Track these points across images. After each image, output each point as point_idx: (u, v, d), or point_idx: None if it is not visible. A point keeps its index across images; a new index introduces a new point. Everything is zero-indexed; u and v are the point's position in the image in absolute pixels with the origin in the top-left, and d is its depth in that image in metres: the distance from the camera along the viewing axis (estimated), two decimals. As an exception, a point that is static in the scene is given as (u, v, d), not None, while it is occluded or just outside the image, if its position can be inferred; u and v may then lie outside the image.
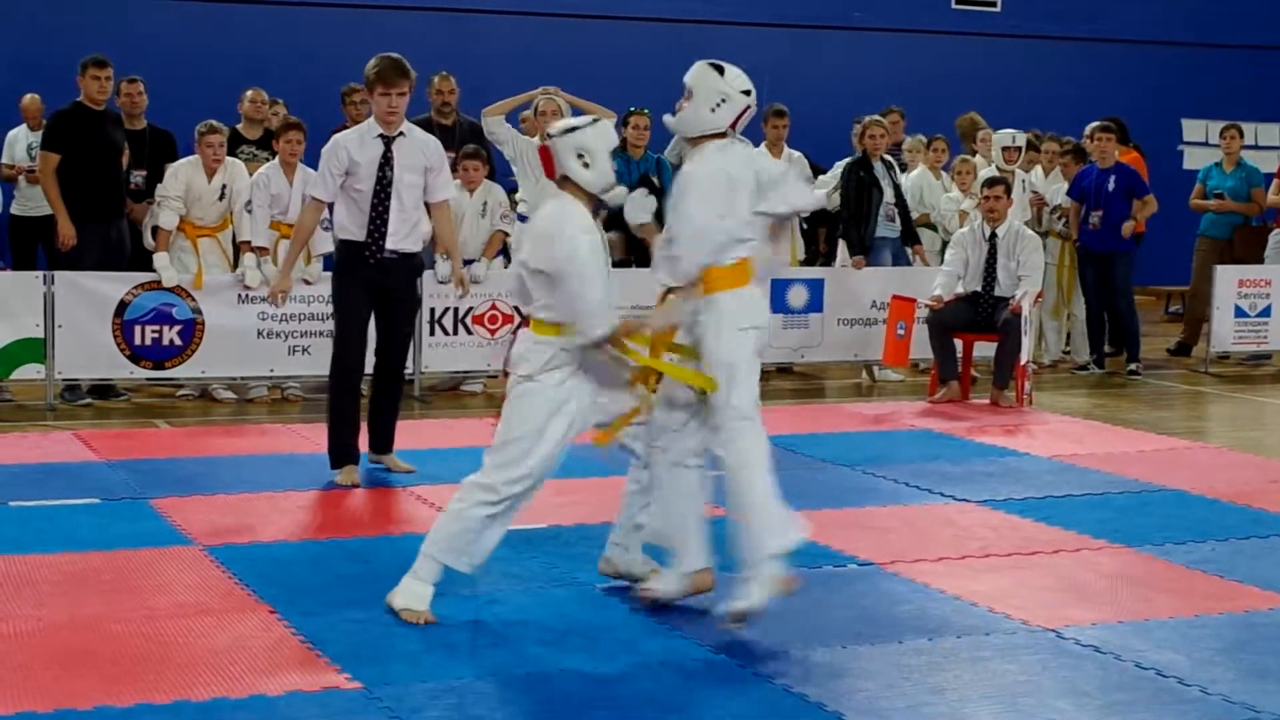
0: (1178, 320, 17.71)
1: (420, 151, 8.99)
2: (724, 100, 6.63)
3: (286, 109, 13.41)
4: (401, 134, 8.92)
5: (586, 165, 6.43)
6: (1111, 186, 14.24)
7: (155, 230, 11.88)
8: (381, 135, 8.88)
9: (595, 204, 6.53)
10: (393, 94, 8.75)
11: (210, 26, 17.21)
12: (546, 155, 6.49)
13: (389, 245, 8.89)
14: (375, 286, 8.97)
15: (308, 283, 11.84)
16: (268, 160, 12.19)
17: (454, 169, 12.60)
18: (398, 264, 8.98)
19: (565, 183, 6.49)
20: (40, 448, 10.11)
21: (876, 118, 13.88)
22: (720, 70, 6.69)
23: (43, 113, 13.52)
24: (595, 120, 6.58)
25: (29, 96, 14.29)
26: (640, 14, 18.79)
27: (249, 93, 13.07)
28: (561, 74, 13.82)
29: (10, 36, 16.59)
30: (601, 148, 6.47)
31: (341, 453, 9.14)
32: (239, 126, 12.93)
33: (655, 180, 13.17)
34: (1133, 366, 14.43)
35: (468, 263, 12.36)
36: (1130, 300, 14.53)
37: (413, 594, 6.50)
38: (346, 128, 11.59)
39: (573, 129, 6.47)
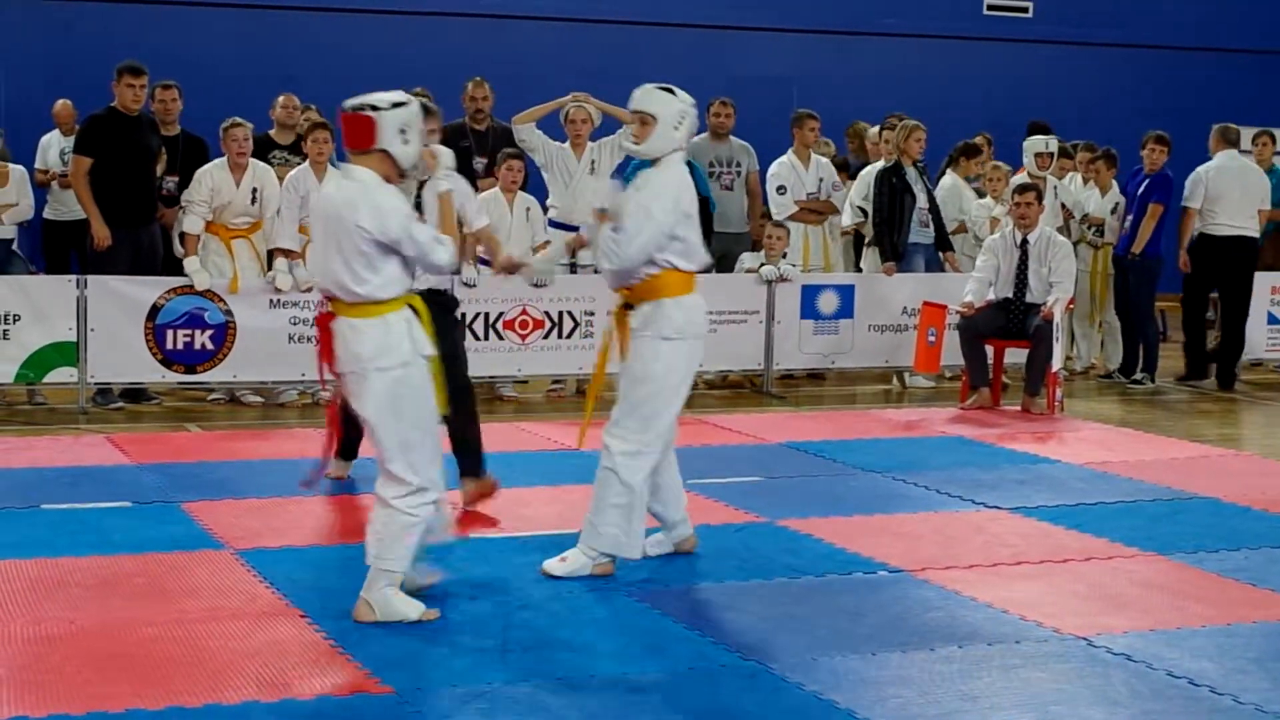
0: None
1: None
2: (684, 118, 7.38)
3: (319, 114, 13.44)
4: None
5: (406, 141, 6.48)
6: (1140, 192, 14.17)
7: (183, 236, 11.92)
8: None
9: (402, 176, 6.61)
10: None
11: (243, 33, 17.26)
12: (367, 125, 6.44)
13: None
14: None
15: None
16: (300, 165, 12.21)
17: (491, 172, 12.63)
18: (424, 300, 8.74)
19: (372, 155, 6.45)
20: (72, 451, 10.14)
21: (917, 123, 13.83)
22: (672, 92, 7.37)
23: (75, 118, 13.57)
24: (418, 94, 6.56)
25: (61, 102, 14.34)
26: (670, 20, 18.79)
27: (281, 98, 13.11)
28: (592, 80, 13.82)
29: (45, 43, 16.65)
30: (419, 124, 6.59)
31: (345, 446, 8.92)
32: (271, 132, 12.97)
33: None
34: (1139, 375, 14.28)
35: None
36: (1143, 310, 14.36)
37: (406, 602, 6.63)
38: None
39: (400, 104, 6.51)
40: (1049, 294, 12.52)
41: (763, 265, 13.25)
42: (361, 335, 6.44)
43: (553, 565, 7.32)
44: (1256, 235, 14.61)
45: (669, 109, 7.31)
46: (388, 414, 6.45)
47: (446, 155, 6.58)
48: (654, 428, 7.28)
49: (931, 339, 12.78)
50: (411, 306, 6.57)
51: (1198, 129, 15.35)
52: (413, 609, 6.54)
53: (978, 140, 15.14)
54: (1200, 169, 14.39)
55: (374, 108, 6.46)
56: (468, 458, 8.67)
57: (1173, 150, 14.40)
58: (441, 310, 8.44)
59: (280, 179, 12.02)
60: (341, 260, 6.40)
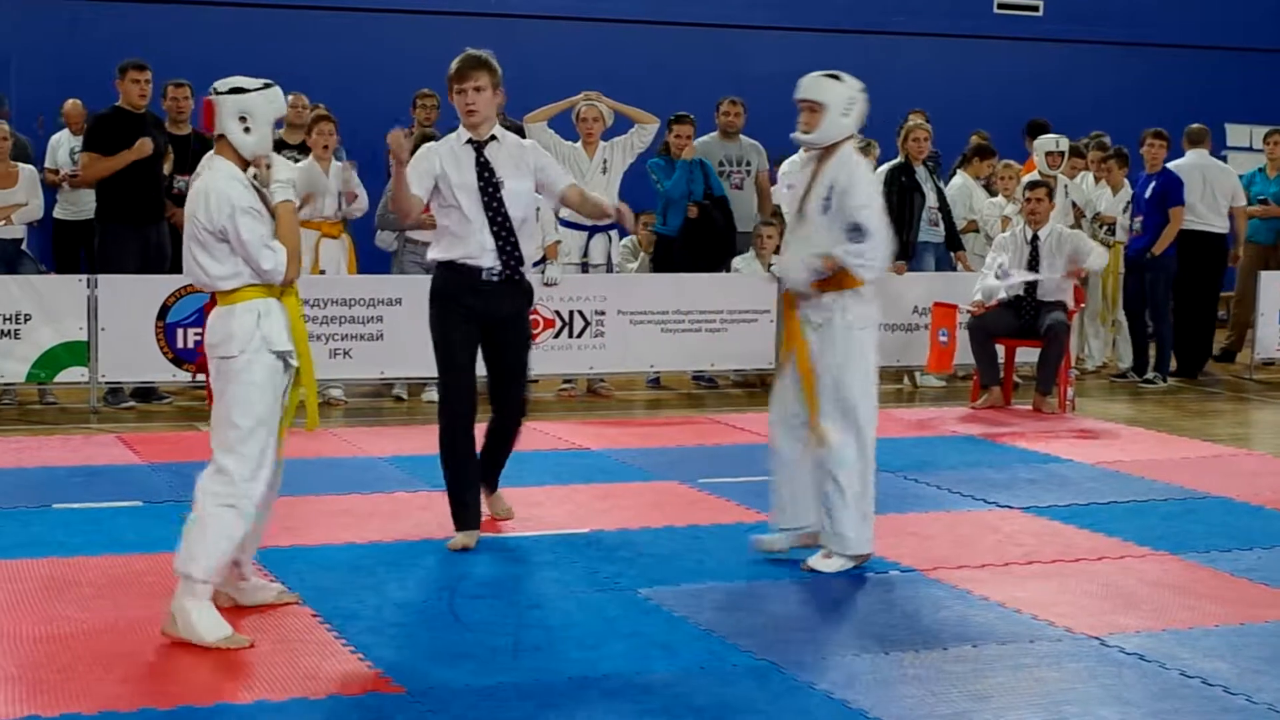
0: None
1: (519, 158, 7.82)
2: (852, 103, 7.46)
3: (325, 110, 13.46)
4: (494, 138, 7.80)
5: (248, 130, 6.29)
6: (1148, 194, 14.15)
7: None
8: (471, 141, 7.78)
9: (246, 165, 6.38)
10: (468, 88, 7.68)
11: (253, 32, 17.24)
12: (210, 111, 6.33)
13: (496, 265, 7.70)
14: (479, 314, 7.78)
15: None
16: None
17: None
18: (505, 287, 7.79)
19: (220, 141, 6.33)
20: (83, 450, 10.15)
21: (919, 122, 13.84)
22: (838, 78, 7.47)
23: (84, 118, 13.59)
24: (266, 85, 6.39)
25: (70, 102, 14.37)
26: (680, 19, 18.78)
27: (290, 97, 13.00)
28: (603, 79, 13.82)
29: (55, 43, 16.66)
30: (266, 114, 6.33)
31: (462, 513, 7.86)
32: (281, 132, 12.96)
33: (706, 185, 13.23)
34: (1150, 375, 14.24)
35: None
36: (1159, 310, 14.31)
37: (213, 621, 6.21)
38: (412, 131, 11.67)
39: (239, 90, 6.30)
40: (1059, 290, 12.46)
41: (771, 266, 13.25)
42: (212, 324, 6.37)
43: (818, 563, 7.51)
44: (1223, 231, 14.98)
45: (837, 95, 7.42)
46: (221, 399, 6.28)
47: (280, 165, 6.43)
48: (868, 412, 7.45)
49: (944, 339, 12.75)
50: (281, 301, 6.38)
51: (1209, 128, 15.38)
52: (212, 631, 6.15)
53: (975, 140, 15.15)
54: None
55: (216, 92, 6.32)
56: (491, 471, 8.25)
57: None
58: (518, 299, 7.94)
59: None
60: (189, 248, 6.33)
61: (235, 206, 6.18)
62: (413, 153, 7.82)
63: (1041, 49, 20.30)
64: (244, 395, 6.24)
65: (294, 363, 6.38)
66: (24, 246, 12.57)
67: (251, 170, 6.40)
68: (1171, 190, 14.10)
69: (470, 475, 7.88)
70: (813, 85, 7.46)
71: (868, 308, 7.44)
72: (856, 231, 7.28)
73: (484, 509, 8.11)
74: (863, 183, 7.40)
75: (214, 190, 6.22)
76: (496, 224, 7.69)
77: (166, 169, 12.25)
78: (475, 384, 7.88)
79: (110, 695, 5.57)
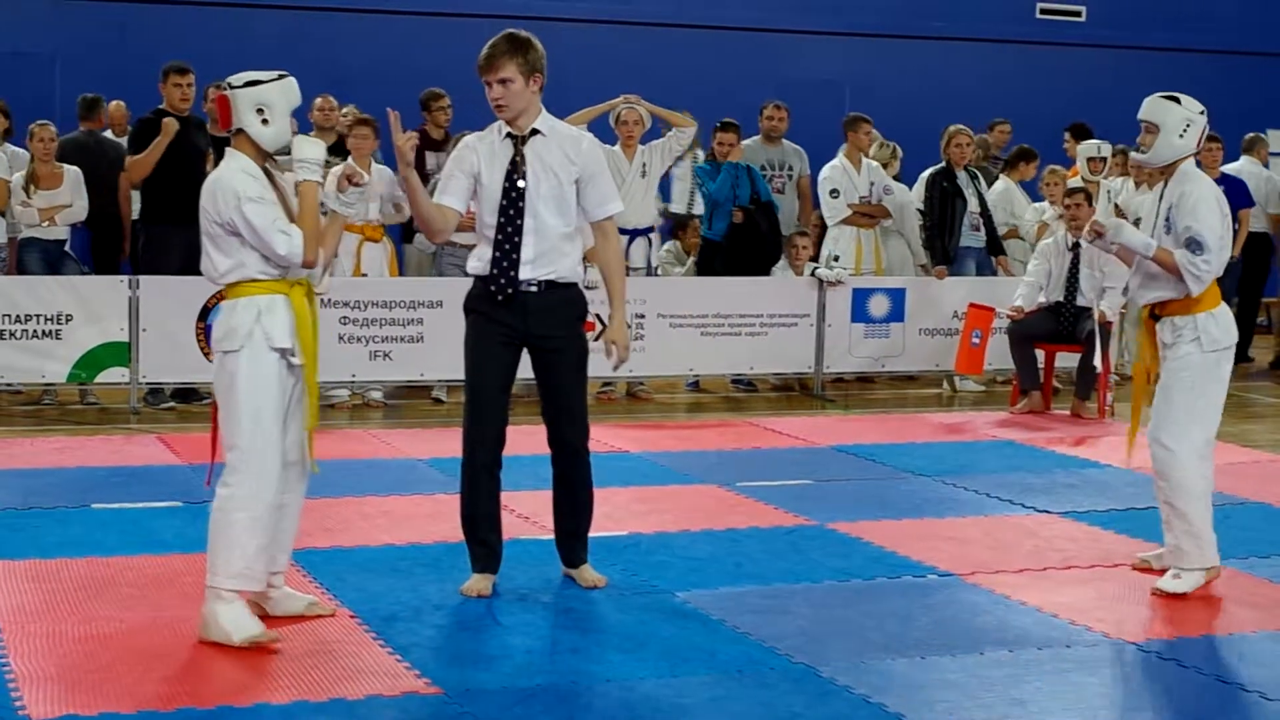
0: (1262, 333, 17.50)
1: (565, 154, 6.89)
2: (1189, 125, 7.40)
3: (359, 112, 13.47)
4: (537, 132, 6.88)
5: (265, 121, 6.23)
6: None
7: None
8: (511, 135, 6.91)
9: (266, 158, 6.33)
10: (493, 81, 6.79)
11: (296, 35, 17.30)
12: (225, 106, 6.24)
13: (524, 275, 6.86)
14: (517, 334, 6.95)
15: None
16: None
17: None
18: (542, 300, 6.90)
19: (239, 136, 6.28)
20: (124, 451, 10.20)
21: (961, 127, 13.81)
22: (1176, 100, 7.44)
23: (128, 120, 13.65)
24: (281, 76, 6.32)
25: (115, 103, 14.43)
26: (723, 23, 18.77)
27: (318, 100, 13.14)
28: (643, 82, 13.82)
29: (96, 45, 16.75)
30: (283, 105, 6.27)
31: (477, 553, 7.13)
32: (310, 134, 13.00)
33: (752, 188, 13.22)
34: None
35: None
36: None
37: (239, 620, 6.21)
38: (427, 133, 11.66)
39: (255, 82, 6.23)
40: (1101, 297, 12.44)
41: (815, 270, 13.26)
42: (217, 319, 6.39)
43: (1167, 583, 7.35)
44: (1263, 230, 15.52)
45: (1171, 117, 7.41)
46: (222, 397, 6.32)
47: (305, 144, 6.27)
48: (1203, 432, 7.38)
49: (975, 341, 12.73)
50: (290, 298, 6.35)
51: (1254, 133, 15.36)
52: (239, 630, 6.14)
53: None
54: None
55: (230, 86, 6.25)
56: (568, 542, 7.33)
57: (1228, 152, 14.48)
58: (564, 313, 7.03)
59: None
60: (203, 243, 6.34)
61: (241, 196, 6.14)
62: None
63: (1084, 54, 20.23)
64: (245, 392, 6.26)
65: (296, 361, 6.35)
66: (67, 248, 12.64)
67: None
68: (1239, 193, 14.18)
69: (490, 511, 7.09)
70: (1151, 106, 7.47)
71: (1221, 331, 7.36)
72: (1194, 245, 7.25)
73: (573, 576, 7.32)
74: (1197, 200, 7.32)
75: (221, 183, 6.21)
76: (506, 230, 6.82)
77: (209, 170, 12.30)
78: (503, 411, 7.04)
79: (149, 695, 5.60)
